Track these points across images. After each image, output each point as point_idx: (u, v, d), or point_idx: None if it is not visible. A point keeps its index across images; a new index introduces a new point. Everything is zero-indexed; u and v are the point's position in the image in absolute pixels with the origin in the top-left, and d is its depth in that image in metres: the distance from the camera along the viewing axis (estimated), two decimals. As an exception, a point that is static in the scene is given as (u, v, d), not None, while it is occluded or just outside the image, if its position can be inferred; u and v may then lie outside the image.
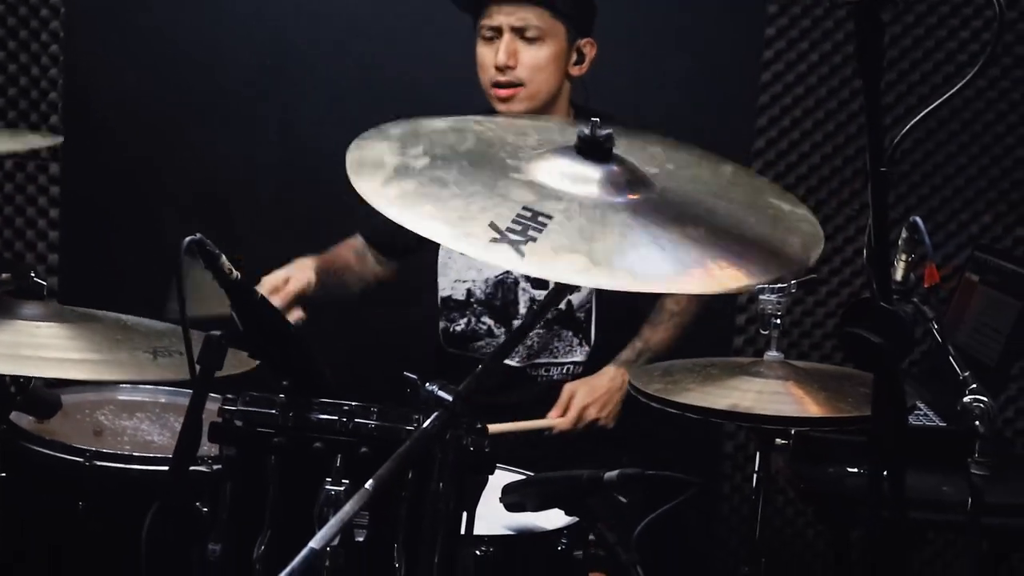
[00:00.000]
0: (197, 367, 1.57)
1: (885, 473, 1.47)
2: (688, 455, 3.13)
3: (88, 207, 3.26)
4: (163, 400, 2.44)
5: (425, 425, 1.39)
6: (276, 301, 2.47)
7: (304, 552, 1.27)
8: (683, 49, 3.26)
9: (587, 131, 1.53)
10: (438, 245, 2.71)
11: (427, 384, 1.46)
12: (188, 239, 1.54)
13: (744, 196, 1.61)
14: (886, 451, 1.47)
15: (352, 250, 2.80)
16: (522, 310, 2.71)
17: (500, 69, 2.61)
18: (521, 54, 2.61)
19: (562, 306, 2.70)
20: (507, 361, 2.71)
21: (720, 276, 1.38)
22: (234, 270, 1.58)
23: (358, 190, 1.43)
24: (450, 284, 2.75)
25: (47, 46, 3.17)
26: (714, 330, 3.30)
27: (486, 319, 2.73)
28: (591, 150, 1.53)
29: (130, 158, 3.25)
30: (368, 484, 1.32)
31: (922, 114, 1.44)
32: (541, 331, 2.70)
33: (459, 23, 2.73)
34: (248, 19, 3.24)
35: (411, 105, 3.07)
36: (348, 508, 1.30)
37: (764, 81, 3.29)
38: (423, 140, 1.55)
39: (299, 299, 2.55)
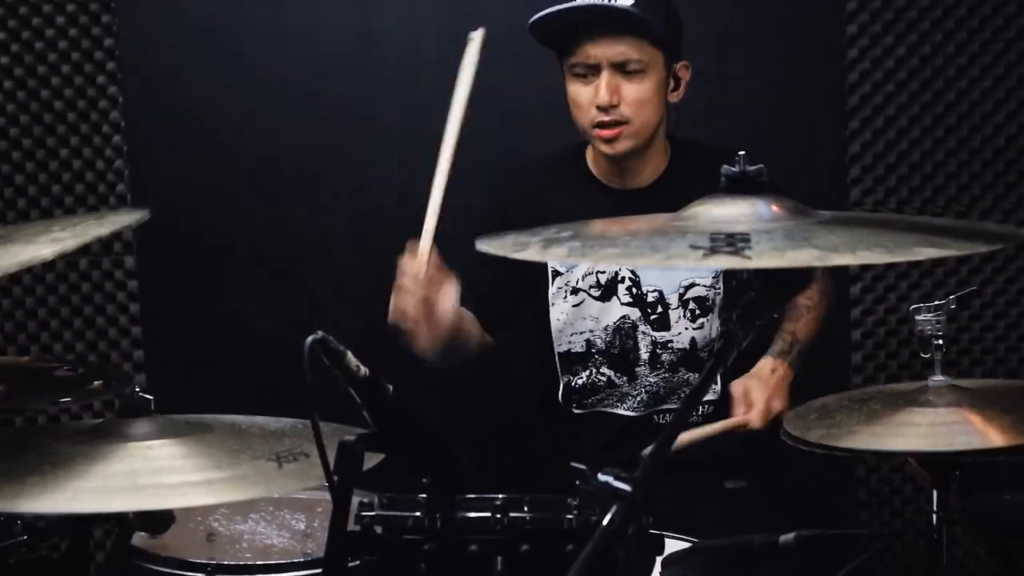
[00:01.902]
0: (335, 478, 1.43)
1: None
2: (821, 487, 2.97)
3: (168, 299, 3.16)
4: (276, 496, 2.31)
5: (605, 522, 1.24)
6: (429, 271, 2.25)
7: None
8: (761, 60, 3.10)
9: (736, 168, 1.38)
10: (547, 301, 2.57)
11: (600, 474, 1.30)
12: (311, 339, 1.39)
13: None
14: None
15: (469, 317, 2.56)
16: (643, 355, 2.55)
17: (603, 109, 2.43)
18: (623, 90, 2.42)
19: (686, 346, 2.53)
20: (627, 412, 2.56)
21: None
22: (361, 367, 1.44)
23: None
24: (567, 339, 2.58)
25: (109, 138, 3.08)
26: (829, 350, 3.13)
27: (605, 370, 2.57)
28: (744, 187, 1.38)
29: (203, 243, 3.15)
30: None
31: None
32: (666, 375, 2.55)
33: (535, 69, 2.60)
34: (305, 84, 3.13)
35: (487, 155, 3.06)
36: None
37: (851, 82, 3.12)
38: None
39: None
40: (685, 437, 2.32)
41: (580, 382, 2.59)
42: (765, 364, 2.48)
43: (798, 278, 2.62)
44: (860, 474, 3.18)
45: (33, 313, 3.10)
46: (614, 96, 2.42)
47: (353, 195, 3.16)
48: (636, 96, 2.43)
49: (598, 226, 1.55)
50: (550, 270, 2.58)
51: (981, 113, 3.14)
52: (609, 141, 2.45)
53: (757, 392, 2.40)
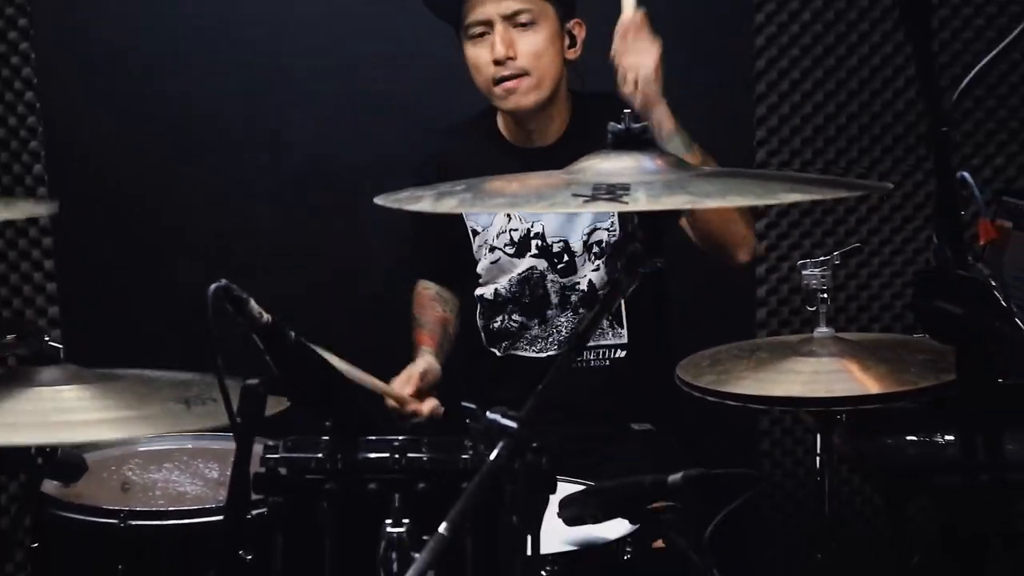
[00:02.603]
0: (238, 419, 1.48)
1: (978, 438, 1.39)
2: (726, 436, 3.08)
3: (85, 256, 3.17)
4: (190, 446, 2.37)
5: (492, 457, 1.31)
6: (410, 389, 2.51)
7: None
8: (672, 26, 3.16)
9: (621, 125, 1.45)
10: (472, 259, 2.68)
11: (488, 412, 1.38)
12: (214, 286, 1.45)
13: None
14: (976, 417, 1.39)
15: (439, 304, 2.77)
16: (553, 300, 2.64)
17: (500, 63, 2.50)
18: (518, 43, 2.50)
19: (585, 289, 2.62)
20: (540, 354, 2.65)
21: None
22: (264, 313, 1.50)
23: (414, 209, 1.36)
24: (486, 290, 2.69)
25: (22, 95, 3.07)
26: (735, 304, 3.23)
27: (517, 316, 2.66)
28: (629, 143, 1.45)
29: (121, 202, 3.16)
30: (442, 528, 1.24)
31: (978, 68, 1.36)
32: (571, 318, 2.64)
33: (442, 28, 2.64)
34: (225, 41, 3.15)
35: (400, 117, 3.11)
36: (427, 555, 1.21)
37: (758, 47, 3.21)
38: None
39: (433, 389, 2.57)
40: None
41: (495, 326, 2.69)
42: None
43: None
44: (763, 425, 3.30)
45: (-56, 270, 3.10)
46: (510, 49, 2.50)
47: (273, 152, 3.20)
48: (531, 47, 2.50)
49: (496, 183, 1.62)
50: (469, 229, 2.67)
51: (882, 78, 3.24)
52: (511, 92, 2.52)
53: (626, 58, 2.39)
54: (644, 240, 1.44)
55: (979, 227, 1.77)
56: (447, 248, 2.71)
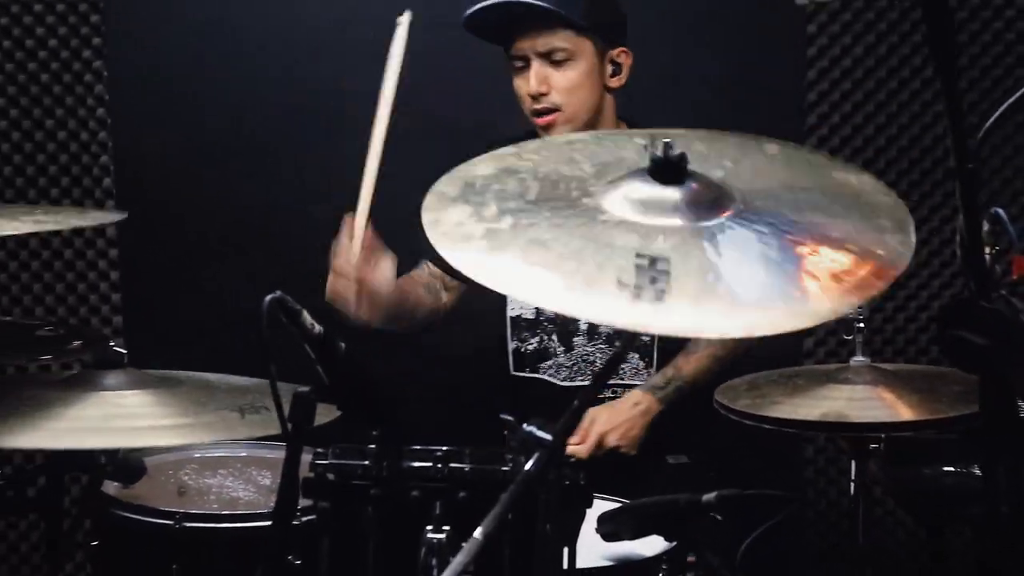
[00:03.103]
0: (289, 425, 1.56)
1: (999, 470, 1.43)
2: (769, 466, 3.11)
3: (148, 268, 3.28)
4: (243, 454, 2.44)
5: (528, 467, 1.37)
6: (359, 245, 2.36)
7: (422, 608, 1.25)
8: (722, 48, 3.22)
9: (659, 153, 1.49)
10: None
11: (525, 425, 1.44)
12: (269, 298, 1.53)
13: (810, 178, 1.55)
14: (998, 447, 1.43)
15: (421, 286, 2.74)
16: (582, 327, 2.68)
17: (535, 97, 2.58)
18: (552, 79, 2.57)
19: None
20: (565, 382, 2.69)
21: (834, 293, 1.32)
22: (316, 325, 1.57)
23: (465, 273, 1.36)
24: (519, 304, 2.72)
25: (94, 110, 3.19)
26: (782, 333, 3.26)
27: (554, 338, 2.71)
28: (665, 173, 1.49)
29: (183, 215, 3.27)
30: (477, 533, 1.30)
31: (1007, 104, 1.41)
32: (602, 346, 2.68)
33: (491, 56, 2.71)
34: (285, 58, 3.24)
35: (452, 136, 3.18)
36: (461, 559, 1.28)
37: (810, 79, 3.25)
38: (488, 196, 1.47)
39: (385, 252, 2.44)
40: None
41: (531, 348, 2.72)
42: (631, 396, 2.57)
43: None
44: (808, 454, 3.33)
45: (16, 277, 3.21)
46: (543, 84, 2.57)
47: (329, 168, 3.28)
48: (565, 83, 2.57)
49: None
50: None
51: (934, 112, 3.25)
52: (546, 128, 2.60)
53: (599, 424, 2.49)
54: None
55: (1013, 261, 1.80)
56: None
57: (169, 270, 3.28)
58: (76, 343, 2.42)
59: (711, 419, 2.26)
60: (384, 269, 2.42)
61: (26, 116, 3.17)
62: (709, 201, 1.43)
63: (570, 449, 2.44)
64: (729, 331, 1.38)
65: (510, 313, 2.74)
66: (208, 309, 3.25)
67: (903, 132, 3.28)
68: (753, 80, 3.23)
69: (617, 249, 1.35)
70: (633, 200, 1.42)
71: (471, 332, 2.88)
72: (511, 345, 2.74)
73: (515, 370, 2.75)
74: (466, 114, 3.10)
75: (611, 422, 2.50)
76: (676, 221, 1.40)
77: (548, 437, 1.41)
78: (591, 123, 2.63)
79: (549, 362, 2.72)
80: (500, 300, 2.73)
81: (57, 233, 3.16)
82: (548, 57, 2.57)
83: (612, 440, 2.50)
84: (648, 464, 2.60)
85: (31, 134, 3.18)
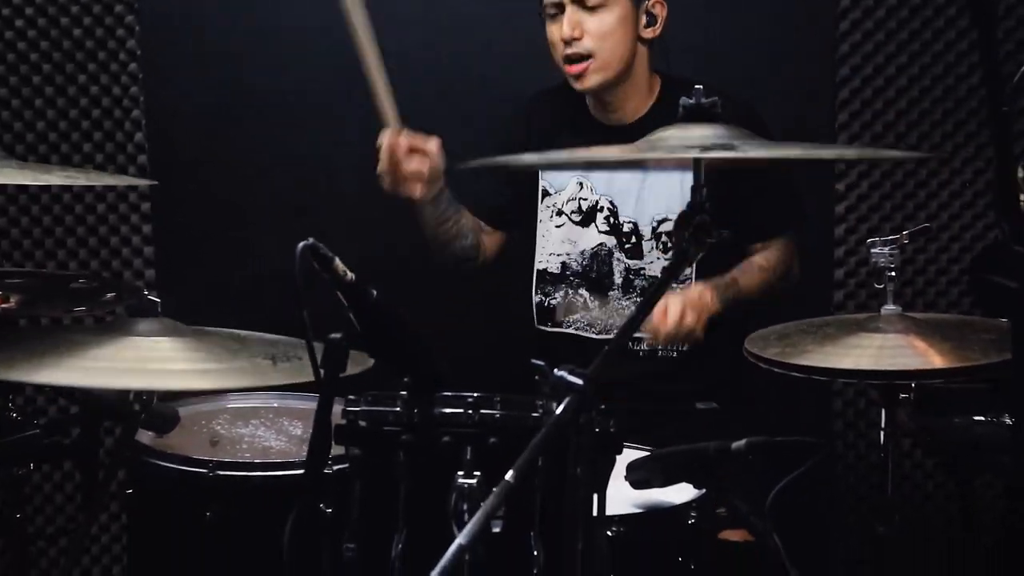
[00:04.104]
0: (321, 371, 1.57)
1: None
2: (798, 415, 3.11)
3: (180, 222, 3.29)
4: (275, 404, 2.47)
5: (559, 412, 1.38)
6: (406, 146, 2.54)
7: (453, 548, 1.26)
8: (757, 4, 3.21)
9: (692, 100, 1.51)
10: (535, 219, 2.71)
11: (556, 370, 1.45)
12: (302, 244, 1.54)
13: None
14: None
15: (466, 218, 2.77)
16: (617, 280, 2.69)
17: (567, 42, 2.57)
18: (585, 23, 2.57)
19: (657, 273, 2.66)
20: (603, 336, 2.69)
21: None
22: (348, 272, 1.58)
23: None
24: (546, 257, 2.74)
25: (126, 65, 3.20)
26: (813, 286, 3.25)
27: (583, 291, 2.71)
28: (700, 116, 1.50)
29: (215, 171, 3.29)
30: (508, 475, 1.31)
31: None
32: (637, 299, 2.68)
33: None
34: (319, 20, 3.23)
35: (486, 91, 3.17)
36: (492, 501, 1.29)
37: (842, 30, 3.22)
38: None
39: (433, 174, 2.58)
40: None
41: (555, 302, 2.74)
42: (696, 287, 2.55)
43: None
44: (837, 407, 3.33)
45: (50, 231, 3.23)
46: (576, 29, 2.57)
47: (363, 126, 3.29)
48: (598, 28, 2.57)
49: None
50: (540, 188, 2.73)
51: (968, 63, 3.23)
52: (577, 76, 2.59)
53: (675, 306, 2.46)
54: (711, 211, 1.50)
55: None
56: (511, 198, 2.76)
57: (201, 226, 3.30)
58: (110, 295, 2.45)
59: (745, 371, 2.26)
60: (428, 142, 2.55)
61: (59, 71, 3.18)
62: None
63: (651, 327, 2.44)
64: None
65: (536, 267, 2.74)
66: (240, 265, 3.27)
67: (937, 83, 3.25)
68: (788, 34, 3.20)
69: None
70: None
71: (501, 284, 2.91)
72: (535, 298, 2.75)
73: (539, 323, 2.75)
74: (497, 72, 3.10)
75: (686, 304, 2.47)
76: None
77: (579, 381, 1.41)
78: (624, 74, 2.63)
79: (577, 316, 2.72)
80: (528, 252, 2.74)
81: (90, 187, 3.19)
82: (582, 3, 2.57)
83: (690, 320, 2.46)
84: (676, 410, 2.64)
85: (64, 89, 3.18)
